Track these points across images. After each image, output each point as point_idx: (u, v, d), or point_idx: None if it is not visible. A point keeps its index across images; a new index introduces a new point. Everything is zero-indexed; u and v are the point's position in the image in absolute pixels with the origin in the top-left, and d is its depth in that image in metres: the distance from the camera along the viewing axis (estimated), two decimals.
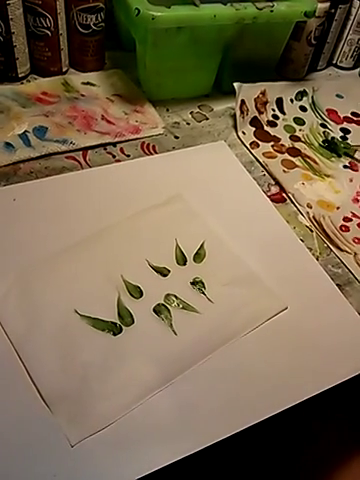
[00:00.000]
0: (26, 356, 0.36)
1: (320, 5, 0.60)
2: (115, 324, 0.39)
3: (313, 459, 0.33)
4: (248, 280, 0.44)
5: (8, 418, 0.33)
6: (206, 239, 0.47)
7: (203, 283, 0.43)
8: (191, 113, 0.62)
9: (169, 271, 0.44)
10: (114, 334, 0.39)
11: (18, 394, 0.35)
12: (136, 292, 0.42)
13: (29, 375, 0.35)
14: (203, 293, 0.42)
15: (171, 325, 0.40)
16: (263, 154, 0.57)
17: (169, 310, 0.41)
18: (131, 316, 0.40)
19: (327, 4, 0.63)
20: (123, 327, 0.39)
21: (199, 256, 0.45)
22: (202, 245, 0.46)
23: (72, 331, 0.38)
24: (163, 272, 0.43)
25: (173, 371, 0.37)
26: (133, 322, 0.40)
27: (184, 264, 0.44)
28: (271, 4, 0.55)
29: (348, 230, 0.50)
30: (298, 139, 0.61)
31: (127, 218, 0.47)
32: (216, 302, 0.42)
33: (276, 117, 0.63)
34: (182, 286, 0.43)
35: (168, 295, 0.42)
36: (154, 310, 0.41)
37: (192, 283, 0.43)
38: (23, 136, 0.54)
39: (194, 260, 0.45)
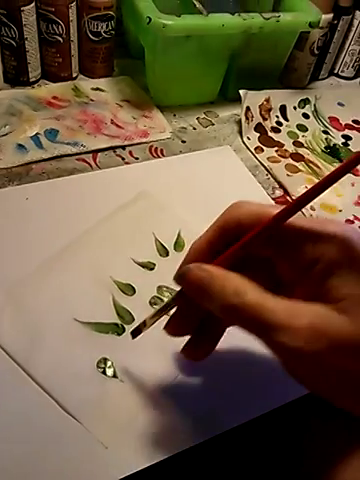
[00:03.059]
0: (37, 374, 0.36)
1: (324, 16, 0.62)
2: (117, 325, 0.40)
3: (313, 455, 0.34)
4: None
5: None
6: (181, 228, 0.48)
7: None
8: (197, 119, 0.63)
9: (154, 264, 0.45)
10: (118, 334, 0.39)
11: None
12: (129, 289, 0.43)
13: (46, 392, 0.35)
14: None
15: (169, 314, 0.41)
16: (267, 159, 0.59)
17: (164, 301, 0.41)
18: (130, 314, 0.41)
19: (330, 15, 0.65)
20: (125, 326, 0.40)
21: (179, 245, 0.47)
22: (179, 234, 0.48)
23: (77, 339, 0.39)
24: (149, 266, 0.45)
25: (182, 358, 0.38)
26: (134, 319, 0.40)
27: (167, 255, 0.46)
28: (277, 14, 0.57)
29: None
30: (301, 145, 0.62)
31: (100, 221, 0.48)
32: None
33: (280, 123, 0.65)
34: (170, 276, 0.43)
35: (160, 287, 0.43)
36: (150, 303, 0.42)
37: None
38: (35, 138, 0.55)
39: (175, 249, 0.46)
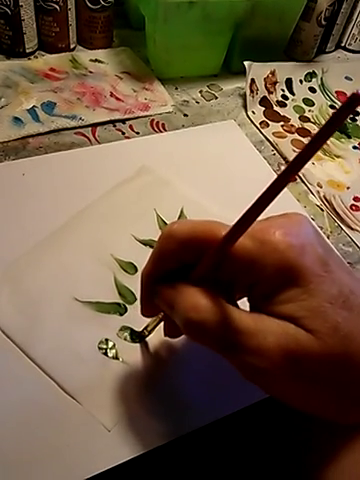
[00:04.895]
0: (37, 355, 0.35)
1: None
2: (119, 304, 0.39)
3: (314, 447, 0.34)
4: None
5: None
6: (184, 205, 0.47)
7: None
8: (200, 92, 0.61)
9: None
10: (120, 314, 0.38)
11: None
12: (130, 268, 0.41)
13: (46, 374, 0.34)
14: None
15: None
16: (273, 134, 0.57)
17: None
18: (132, 293, 0.39)
19: None
20: (127, 306, 0.39)
21: None
22: (182, 211, 0.46)
23: (77, 320, 0.37)
24: (151, 244, 0.43)
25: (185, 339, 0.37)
26: (136, 299, 0.39)
27: None
28: None
29: (358, 209, 0.50)
30: (308, 120, 0.60)
31: (101, 197, 0.46)
32: None
33: (285, 97, 0.62)
34: None
35: None
36: None
37: None
38: (31, 111, 0.53)
39: None
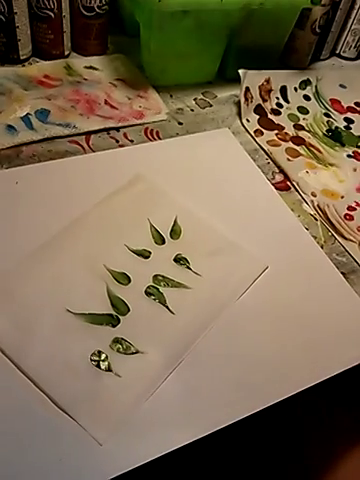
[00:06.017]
0: (28, 367, 0.34)
1: None
2: (111, 315, 0.38)
3: (318, 443, 0.33)
4: (228, 247, 0.44)
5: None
6: (178, 215, 0.47)
7: (186, 258, 0.43)
8: (195, 99, 0.61)
9: (150, 252, 0.43)
10: (113, 326, 0.38)
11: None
12: (123, 279, 0.41)
13: (38, 387, 0.34)
14: (188, 268, 0.42)
15: (166, 305, 0.40)
16: (267, 142, 0.57)
17: (160, 291, 0.40)
18: (125, 304, 0.39)
19: None
20: (120, 317, 0.38)
21: (175, 232, 0.45)
22: (175, 221, 0.46)
23: (70, 331, 0.37)
24: (144, 254, 0.43)
25: (179, 351, 0.37)
26: (129, 310, 0.39)
27: (163, 243, 0.44)
28: None
29: (352, 219, 0.50)
30: (302, 128, 0.60)
31: (94, 207, 0.46)
32: (203, 274, 0.42)
33: (280, 105, 0.62)
34: (166, 265, 0.42)
35: (156, 276, 0.41)
36: (146, 293, 0.40)
37: (175, 260, 0.43)
38: (25, 119, 0.53)
39: (171, 237, 0.45)
